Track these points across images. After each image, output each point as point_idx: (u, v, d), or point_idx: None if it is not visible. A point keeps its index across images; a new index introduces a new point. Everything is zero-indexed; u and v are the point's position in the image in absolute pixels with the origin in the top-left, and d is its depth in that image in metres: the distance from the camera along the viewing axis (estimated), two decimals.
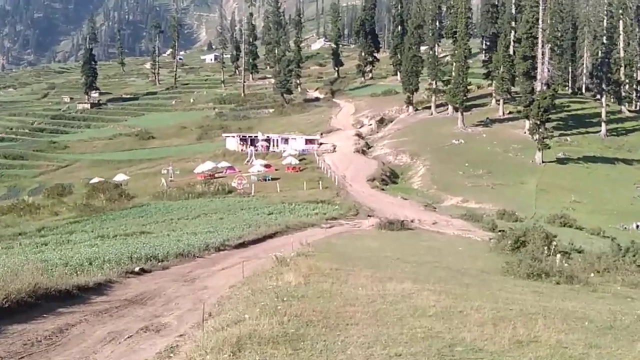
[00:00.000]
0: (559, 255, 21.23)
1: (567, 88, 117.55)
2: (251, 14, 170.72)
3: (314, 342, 9.35)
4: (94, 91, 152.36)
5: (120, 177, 74.77)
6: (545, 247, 23.33)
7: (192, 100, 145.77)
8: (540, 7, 77.54)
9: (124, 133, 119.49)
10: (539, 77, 77.85)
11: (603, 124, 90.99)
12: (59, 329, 11.47)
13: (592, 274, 20.61)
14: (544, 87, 76.55)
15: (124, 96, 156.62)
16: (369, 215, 42.68)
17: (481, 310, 11.95)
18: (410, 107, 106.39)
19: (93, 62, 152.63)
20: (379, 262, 20.74)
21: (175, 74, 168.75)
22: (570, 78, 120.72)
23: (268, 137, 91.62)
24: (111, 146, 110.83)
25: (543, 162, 74.57)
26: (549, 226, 39.28)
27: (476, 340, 9.80)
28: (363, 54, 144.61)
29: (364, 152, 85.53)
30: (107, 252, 20.58)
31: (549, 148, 75.23)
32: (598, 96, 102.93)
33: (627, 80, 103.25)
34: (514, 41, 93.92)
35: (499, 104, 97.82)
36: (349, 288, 14.22)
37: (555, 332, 10.53)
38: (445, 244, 29.97)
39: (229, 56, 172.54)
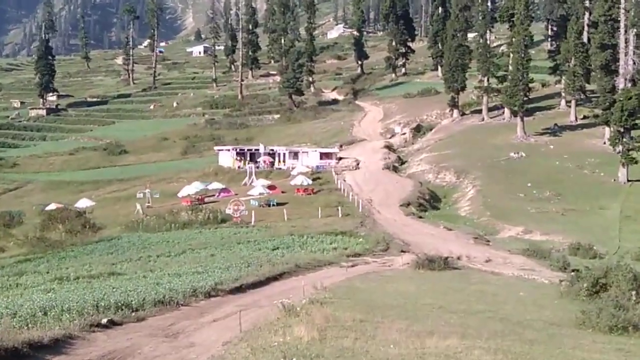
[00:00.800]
0: None
1: None
2: None
3: None
4: (50, 93, 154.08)
5: (83, 203, 75.25)
6: (634, 292, 23.07)
7: (175, 105, 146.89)
8: None
9: (89, 147, 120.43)
10: (621, 71, 77.58)
11: None
12: None
13: None
14: (629, 84, 76.23)
15: (89, 100, 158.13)
16: (402, 251, 42.46)
17: None
18: (455, 111, 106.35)
19: (50, 57, 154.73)
20: (415, 312, 20.61)
21: (155, 71, 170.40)
22: None
23: (272, 150, 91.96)
24: (72, 163, 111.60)
25: (629, 180, 73.95)
26: (638, 264, 38.83)
27: None
28: (394, 43, 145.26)
29: (395, 169, 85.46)
30: (67, 299, 20.60)
31: (636, 163, 74.63)
32: None
33: None
34: (588, 25, 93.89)
35: (569, 107, 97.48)
36: (377, 345, 14.13)
37: None
38: (501, 288, 29.75)
39: (222, 48, 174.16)
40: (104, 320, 18.27)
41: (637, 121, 76.93)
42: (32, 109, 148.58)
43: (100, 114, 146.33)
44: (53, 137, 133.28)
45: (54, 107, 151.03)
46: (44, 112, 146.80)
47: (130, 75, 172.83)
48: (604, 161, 79.31)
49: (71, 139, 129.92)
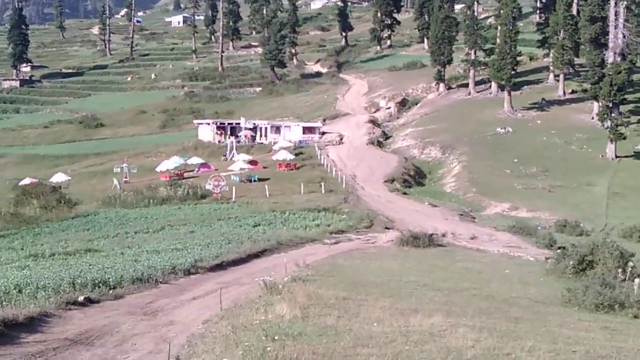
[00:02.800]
0: (637, 280, 21.15)
1: None
2: None
3: None
4: (24, 64, 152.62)
5: (59, 178, 74.81)
6: (620, 270, 23.29)
7: (153, 77, 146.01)
8: None
9: (64, 119, 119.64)
10: (611, 44, 77.81)
11: None
12: None
13: None
14: (618, 58, 76.50)
15: (64, 71, 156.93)
16: (386, 228, 42.65)
17: (535, 353, 11.94)
18: (442, 85, 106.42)
19: (23, 26, 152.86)
20: (399, 289, 20.73)
21: (132, 42, 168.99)
22: None
23: (254, 124, 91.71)
24: (47, 137, 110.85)
25: (617, 156, 74.53)
26: (625, 241, 39.23)
27: None
28: (379, 14, 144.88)
29: (380, 145, 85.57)
30: (42, 277, 20.54)
31: (624, 138, 75.19)
32: None
33: None
34: None
35: (558, 81, 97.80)
36: (360, 323, 14.21)
37: None
38: (487, 266, 29.95)
39: (202, 18, 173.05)
40: (81, 298, 18.24)
41: (625, 96, 77.45)
42: (5, 80, 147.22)
43: (75, 86, 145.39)
44: (27, 109, 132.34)
45: (28, 78, 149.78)
46: (17, 83, 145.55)
47: (107, 45, 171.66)
48: (592, 137, 79.84)
49: (46, 112, 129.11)
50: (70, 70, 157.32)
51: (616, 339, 14.92)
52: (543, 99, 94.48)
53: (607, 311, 19.24)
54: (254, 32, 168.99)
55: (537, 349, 12.23)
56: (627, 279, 21.95)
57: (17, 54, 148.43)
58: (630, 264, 23.95)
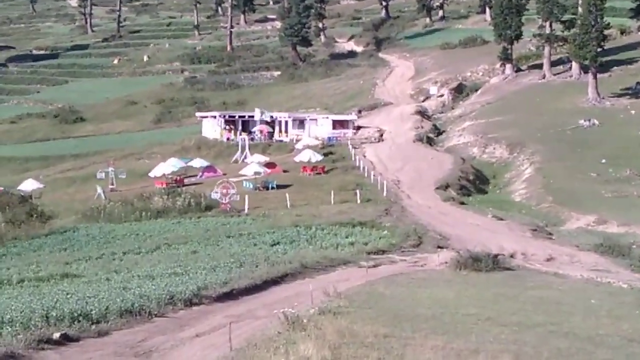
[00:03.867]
0: None
1: None
2: None
3: None
4: None
5: (29, 185, 75.41)
6: None
7: (146, 59, 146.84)
8: None
9: (36, 113, 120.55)
10: None
11: None
12: None
13: None
14: None
15: (35, 52, 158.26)
16: (439, 247, 42.50)
17: None
18: (508, 67, 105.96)
19: None
20: (455, 325, 20.69)
21: (119, 16, 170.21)
22: None
23: (271, 117, 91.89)
24: (15, 134, 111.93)
25: None
26: None
27: None
28: None
29: (430, 142, 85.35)
30: (9, 308, 20.73)
31: None
32: None
33: None
34: None
35: None
36: None
37: None
38: (567, 294, 29.80)
39: None
40: (56, 335, 18.39)
41: None
42: None
43: (49, 71, 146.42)
44: None
45: None
46: None
47: (88, 20, 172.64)
48: None
49: (12, 103, 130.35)
50: (42, 52, 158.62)
51: None
52: (638, 82, 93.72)
53: None
54: (271, 2, 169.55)
55: None
56: None
57: None
58: None
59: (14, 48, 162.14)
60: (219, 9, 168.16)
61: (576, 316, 24.21)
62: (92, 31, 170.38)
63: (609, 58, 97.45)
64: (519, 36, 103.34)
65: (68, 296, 23.55)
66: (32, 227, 55.41)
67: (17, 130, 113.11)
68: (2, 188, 73.23)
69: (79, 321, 20.04)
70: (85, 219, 58.40)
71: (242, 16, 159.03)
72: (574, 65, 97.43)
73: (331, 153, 79.34)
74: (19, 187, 74.41)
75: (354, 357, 14.81)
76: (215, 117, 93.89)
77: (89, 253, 42.30)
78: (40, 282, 30.41)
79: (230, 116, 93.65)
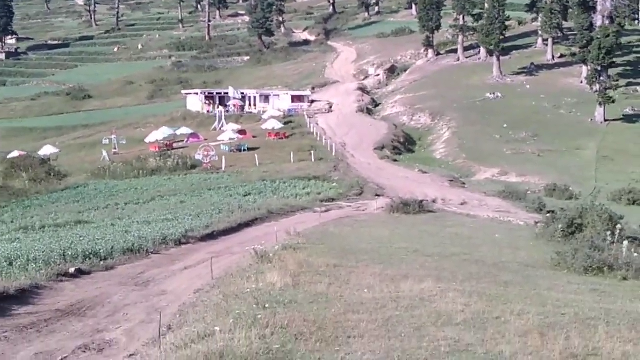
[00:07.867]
0: (626, 243, 21.27)
1: (637, 22, 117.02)
2: None
3: None
4: (9, 37, 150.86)
5: (47, 150, 74.38)
6: (609, 233, 23.40)
7: (140, 47, 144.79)
8: None
9: (51, 92, 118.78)
10: (599, 7, 77.40)
11: None
12: None
13: None
14: (607, 22, 76.23)
15: (50, 43, 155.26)
16: (377, 195, 42.72)
17: (524, 316, 12.03)
18: (430, 51, 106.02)
19: None
20: (390, 256, 20.82)
21: (118, 12, 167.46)
22: None
23: (242, 93, 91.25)
24: (34, 109, 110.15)
25: (605, 120, 74.63)
26: (614, 204, 39.42)
27: (517, 355, 9.87)
28: None
29: (369, 112, 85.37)
30: (33, 249, 20.55)
31: (613, 102, 75.18)
32: None
33: None
34: None
35: (546, 45, 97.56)
36: (351, 290, 14.28)
37: (621, 342, 10.61)
38: (477, 231, 30.08)
39: None
40: (72, 270, 18.27)
41: (614, 59, 77.24)
42: None
43: (62, 58, 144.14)
44: (13, 82, 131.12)
45: (14, 50, 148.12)
46: (3, 56, 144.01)
47: (92, 16, 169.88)
48: (581, 101, 79.80)
49: (32, 84, 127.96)
50: (56, 42, 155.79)
51: (605, 301, 15.05)
52: (532, 63, 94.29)
53: (596, 274, 19.38)
54: (240, 1, 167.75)
55: (526, 312, 12.32)
56: (615, 241, 22.03)
57: (2, 26, 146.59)
58: (619, 226, 24.03)
59: (32, 39, 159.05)
60: (199, 6, 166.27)
61: (484, 247, 24.47)
62: (96, 25, 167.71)
63: (509, 44, 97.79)
64: (438, 27, 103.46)
65: (81, 238, 23.42)
66: (50, 184, 55.02)
67: (37, 106, 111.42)
68: (25, 152, 72.29)
69: (90, 258, 19.94)
70: (93, 177, 58.02)
71: (217, 12, 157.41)
72: (482, 50, 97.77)
73: (291, 122, 79.08)
74: (39, 152, 73.48)
75: (310, 283, 14.87)
76: (197, 93, 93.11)
77: (97, 204, 42.12)
78: (58, 228, 30.19)
79: (209, 93, 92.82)
